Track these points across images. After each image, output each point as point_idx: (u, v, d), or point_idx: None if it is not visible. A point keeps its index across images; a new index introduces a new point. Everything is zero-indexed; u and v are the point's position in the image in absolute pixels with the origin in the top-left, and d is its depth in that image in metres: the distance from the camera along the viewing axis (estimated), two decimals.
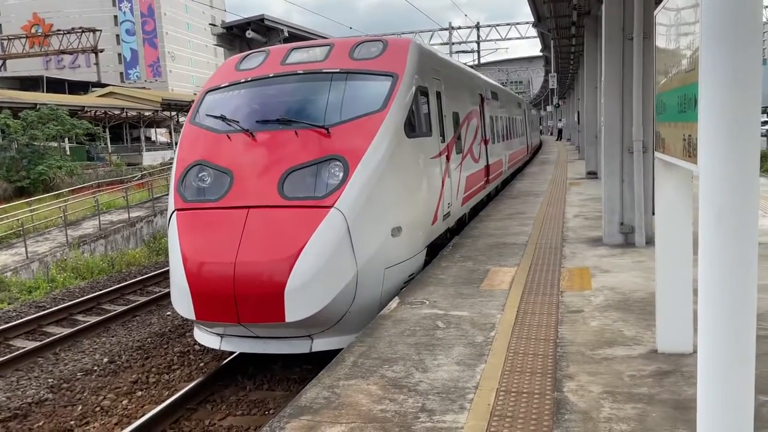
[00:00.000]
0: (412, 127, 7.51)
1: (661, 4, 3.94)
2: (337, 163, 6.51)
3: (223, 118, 7.21)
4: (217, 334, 6.77)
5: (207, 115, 7.51)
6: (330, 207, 6.21)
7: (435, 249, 8.65)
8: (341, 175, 6.43)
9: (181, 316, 8.19)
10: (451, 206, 9.28)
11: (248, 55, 8.50)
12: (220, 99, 7.81)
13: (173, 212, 6.82)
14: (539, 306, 5.95)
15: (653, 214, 8.50)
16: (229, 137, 7.08)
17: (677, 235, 4.26)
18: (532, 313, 5.75)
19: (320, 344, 6.44)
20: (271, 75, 7.76)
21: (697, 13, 2.78)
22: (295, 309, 5.91)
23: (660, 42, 4.02)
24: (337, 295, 6.06)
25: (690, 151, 3.00)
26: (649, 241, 8.40)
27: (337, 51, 7.79)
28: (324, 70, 7.51)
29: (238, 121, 7.16)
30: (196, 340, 7.49)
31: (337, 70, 7.44)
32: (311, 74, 7.57)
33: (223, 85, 8.01)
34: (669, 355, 4.50)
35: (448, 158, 9.07)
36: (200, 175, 6.94)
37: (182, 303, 6.34)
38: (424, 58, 8.45)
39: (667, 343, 4.54)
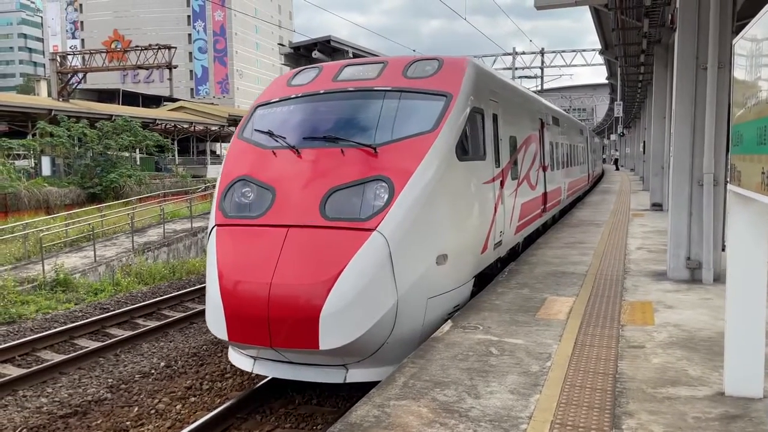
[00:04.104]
0: (465, 149, 7.21)
1: (740, 34, 3.82)
2: (383, 184, 6.21)
3: (270, 133, 7.07)
4: (251, 357, 6.58)
5: (255, 130, 7.38)
6: (372, 230, 5.90)
7: (484, 279, 8.26)
8: (386, 196, 6.13)
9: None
10: (504, 234, 8.82)
11: (301, 70, 8.33)
12: (269, 114, 7.66)
13: (213, 227, 6.68)
14: (598, 339, 5.77)
15: (723, 250, 8.17)
16: (274, 153, 6.91)
17: (750, 273, 4.07)
18: (591, 345, 5.58)
19: (355, 375, 6.12)
20: (321, 91, 7.58)
21: None
22: (330, 336, 5.60)
23: (738, 72, 3.90)
24: (375, 324, 5.72)
25: None
26: (717, 278, 8.06)
27: (390, 69, 7.58)
28: (375, 88, 7.29)
29: (284, 137, 6.98)
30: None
31: (389, 89, 7.21)
32: (362, 92, 7.35)
33: (273, 101, 7.85)
34: (737, 399, 4.27)
35: (502, 184, 8.67)
36: (243, 191, 6.77)
37: (216, 322, 6.15)
38: (481, 78, 8.13)
39: (735, 386, 4.32)
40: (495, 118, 8.58)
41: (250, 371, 6.60)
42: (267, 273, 5.81)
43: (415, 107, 7.06)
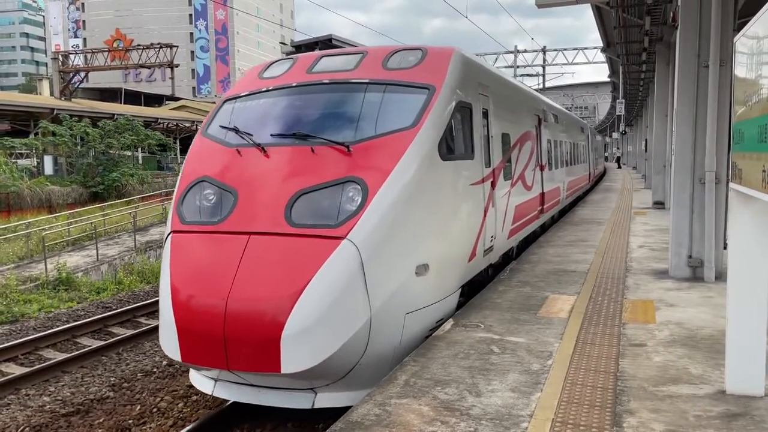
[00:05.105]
0: (450, 148, 6.62)
1: (741, 32, 3.82)
2: (355, 186, 5.62)
3: (235, 130, 6.50)
4: (212, 378, 6.01)
5: (220, 126, 6.79)
6: (342, 238, 5.31)
7: (473, 287, 7.73)
8: (359, 200, 5.54)
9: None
10: (495, 239, 8.17)
11: (275, 61, 7.73)
12: (236, 109, 7.06)
13: (169, 234, 6.09)
14: (599, 337, 5.77)
15: (724, 248, 8.17)
16: (239, 152, 6.31)
17: (752, 272, 4.07)
18: (592, 344, 5.58)
19: (324, 400, 5.55)
20: (294, 84, 6.97)
21: None
22: (293, 358, 5.01)
23: (739, 70, 3.89)
24: (345, 344, 5.13)
25: None
26: (719, 277, 8.06)
27: (369, 60, 6.98)
28: (352, 81, 6.70)
29: (251, 135, 6.38)
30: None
31: (366, 81, 6.63)
32: (337, 84, 6.77)
33: (242, 94, 7.21)
34: (738, 397, 4.27)
35: (493, 185, 8.04)
36: (203, 193, 6.16)
37: (168, 341, 5.53)
38: (469, 70, 7.50)
39: (736, 384, 4.32)
40: (485, 113, 8.00)
41: (210, 393, 6.03)
42: (224, 286, 5.24)
43: (394, 101, 6.47)
